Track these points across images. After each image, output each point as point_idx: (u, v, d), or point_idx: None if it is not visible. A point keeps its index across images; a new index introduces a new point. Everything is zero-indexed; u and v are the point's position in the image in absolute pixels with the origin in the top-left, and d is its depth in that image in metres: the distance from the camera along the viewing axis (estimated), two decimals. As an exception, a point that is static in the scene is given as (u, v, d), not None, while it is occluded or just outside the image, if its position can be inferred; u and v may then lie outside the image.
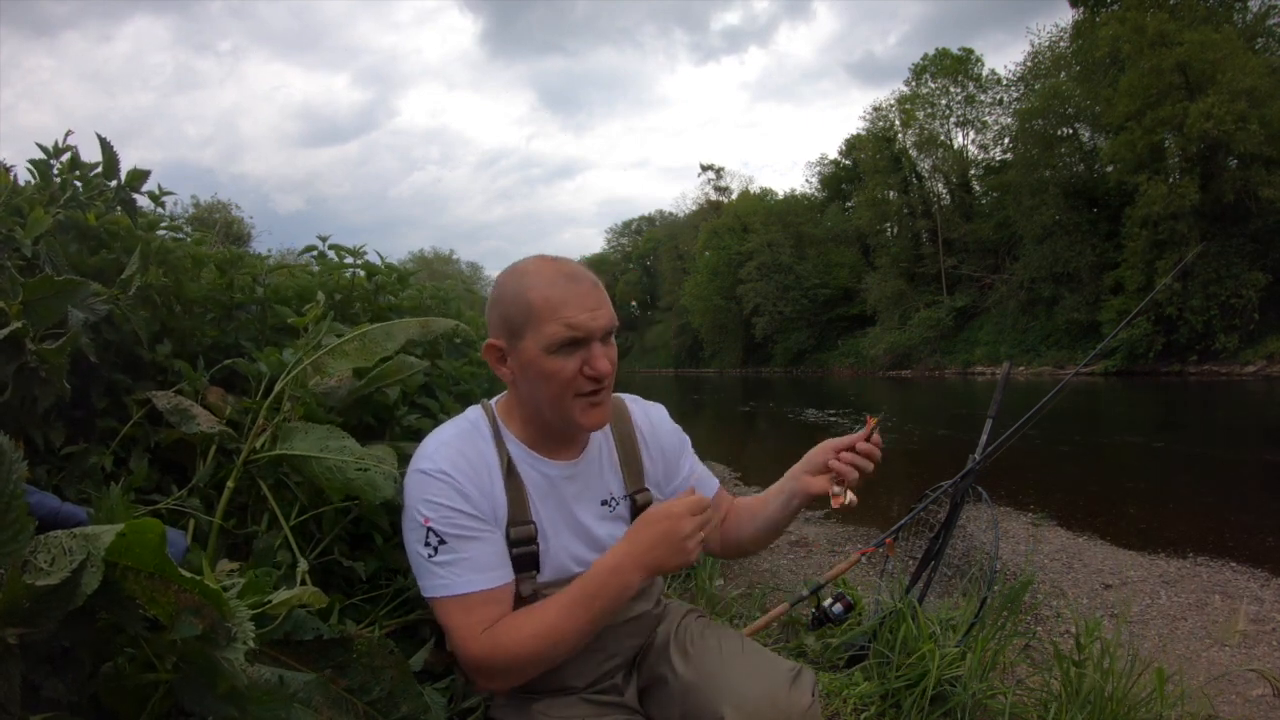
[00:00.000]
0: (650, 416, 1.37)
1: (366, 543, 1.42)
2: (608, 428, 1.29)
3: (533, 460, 1.21)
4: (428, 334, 1.45)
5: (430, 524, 1.11)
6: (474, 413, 1.25)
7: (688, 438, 1.41)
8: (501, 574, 1.14)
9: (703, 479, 1.39)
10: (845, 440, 1.28)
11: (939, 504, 2.62)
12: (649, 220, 78.72)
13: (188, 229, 1.83)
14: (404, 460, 1.26)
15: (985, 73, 40.81)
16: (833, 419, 15.99)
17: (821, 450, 1.30)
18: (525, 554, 1.17)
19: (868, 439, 1.27)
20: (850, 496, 1.24)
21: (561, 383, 1.11)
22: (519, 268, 1.16)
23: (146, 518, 0.61)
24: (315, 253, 1.90)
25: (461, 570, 1.11)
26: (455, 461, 1.15)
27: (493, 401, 1.27)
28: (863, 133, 45.77)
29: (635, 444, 1.32)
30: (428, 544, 1.11)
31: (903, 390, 27.26)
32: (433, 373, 1.76)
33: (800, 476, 1.30)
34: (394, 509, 1.34)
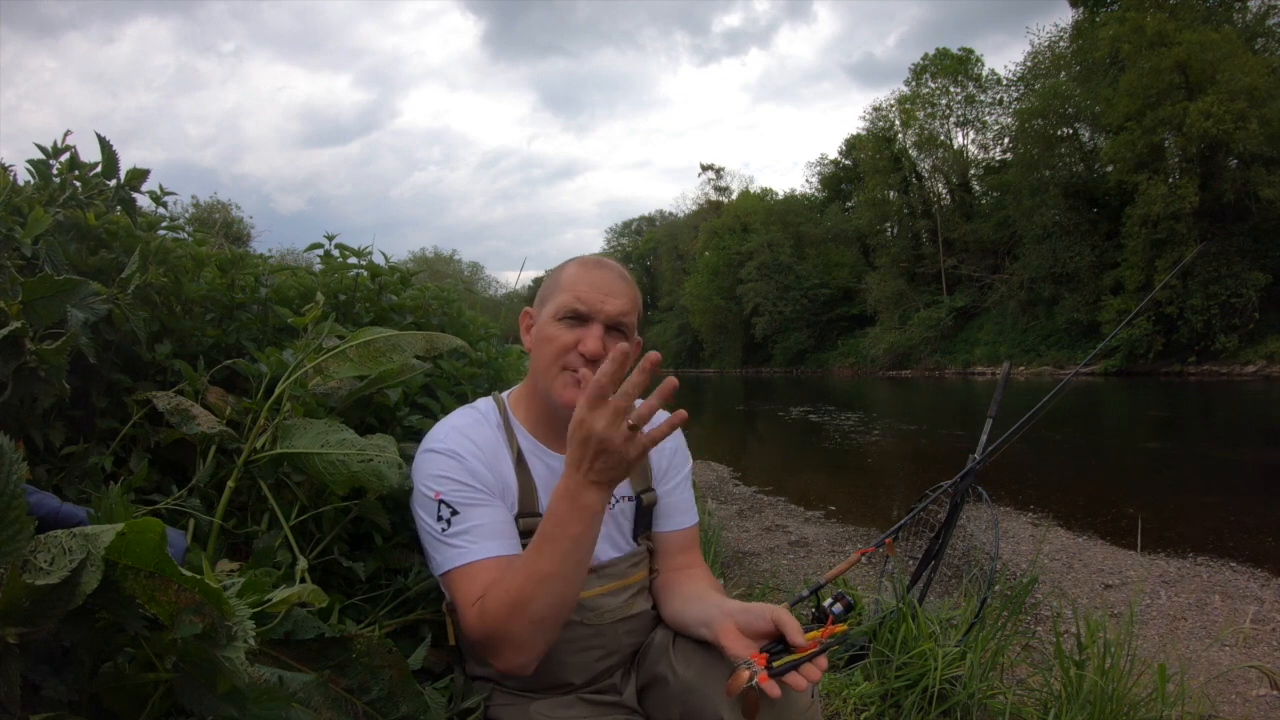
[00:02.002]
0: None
1: (366, 543, 1.42)
2: None
3: (541, 453, 1.24)
4: (432, 351, 1.45)
5: (441, 497, 1.14)
6: (484, 403, 1.29)
7: (691, 463, 1.40)
8: (510, 544, 1.15)
9: (681, 507, 1.33)
10: (794, 633, 1.00)
11: (939, 504, 2.62)
12: (649, 220, 78.79)
13: (188, 229, 1.83)
14: (407, 458, 1.26)
15: (985, 73, 40.91)
16: (832, 419, 15.99)
17: (764, 618, 1.03)
18: None
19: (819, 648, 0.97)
20: (756, 681, 0.93)
21: (555, 350, 1.17)
22: (574, 257, 1.27)
23: (147, 517, 0.61)
24: (321, 251, 1.90)
25: (474, 537, 1.12)
26: (464, 444, 1.18)
27: (505, 394, 1.31)
28: (863, 133, 45.90)
29: None
30: (440, 517, 1.13)
31: (903, 390, 27.27)
32: (434, 374, 1.76)
33: (727, 624, 1.06)
34: (394, 507, 1.35)
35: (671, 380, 0.91)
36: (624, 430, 0.94)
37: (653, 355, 0.92)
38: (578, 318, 1.17)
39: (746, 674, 0.94)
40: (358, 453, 1.22)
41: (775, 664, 0.95)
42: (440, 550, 1.14)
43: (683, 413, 0.99)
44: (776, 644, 0.99)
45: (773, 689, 0.92)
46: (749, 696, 0.95)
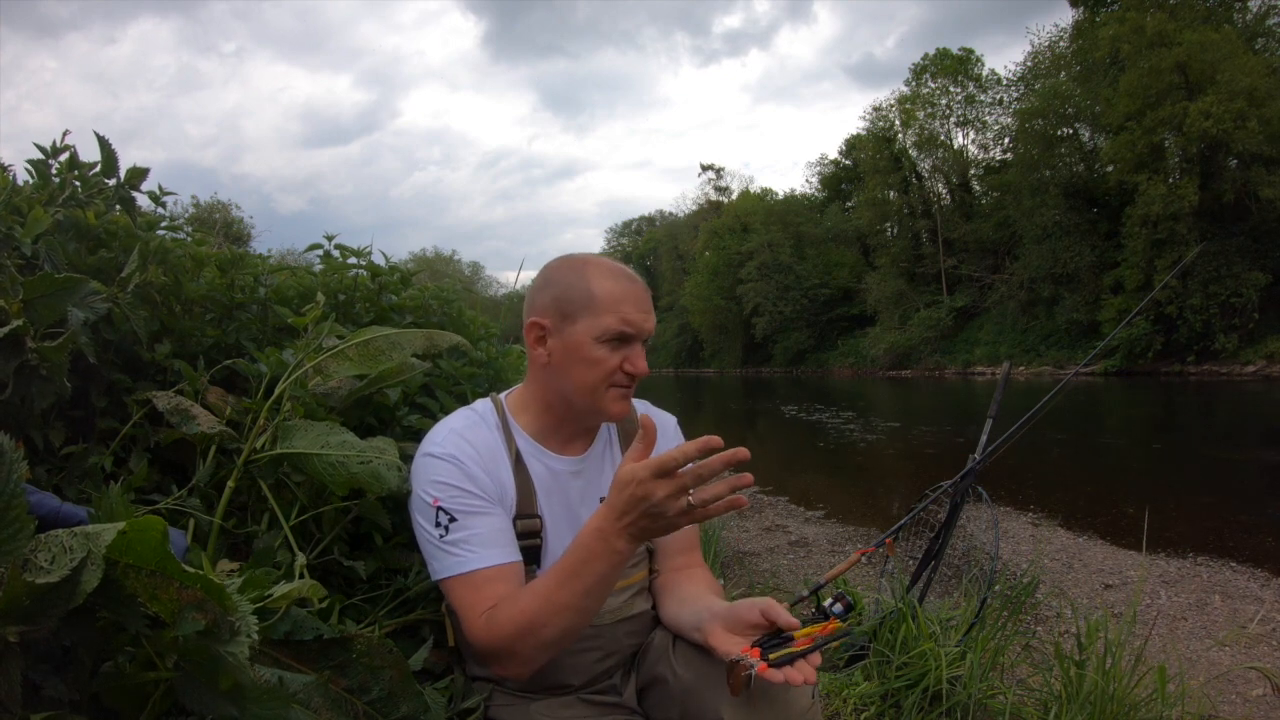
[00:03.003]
0: (655, 420, 1.37)
1: (366, 543, 1.42)
2: (613, 426, 1.30)
3: (540, 454, 1.24)
4: (433, 348, 1.45)
5: (439, 503, 1.13)
6: (482, 405, 1.28)
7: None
8: (510, 551, 1.14)
9: None
10: (783, 616, 1.01)
11: (939, 504, 2.62)
12: (649, 220, 78.76)
13: (187, 229, 1.84)
14: (406, 458, 1.26)
15: (985, 73, 40.91)
16: (832, 419, 16.00)
17: (751, 609, 1.03)
18: (529, 547, 1.19)
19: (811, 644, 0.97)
20: (755, 671, 0.92)
21: (603, 372, 1.15)
22: (579, 258, 1.21)
23: (148, 515, 0.61)
24: (320, 251, 1.90)
25: (473, 546, 1.12)
26: (462, 447, 1.17)
27: (502, 395, 1.30)
28: (863, 133, 45.87)
29: None
30: (438, 524, 1.13)
31: (903, 390, 27.28)
32: (433, 373, 1.76)
33: (715, 626, 1.06)
34: (395, 507, 1.35)
35: (746, 477, 0.91)
36: (683, 505, 0.93)
37: (741, 452, 0.89)
38: (623, 339, 1.15)
39: (743, 667, 0.94)
40: (357, 455, 1.22)
41: (770, 656, 0.95)
42: (438, 557, 1.14)
43: (743, 499, 0.96)
44: (769, 638, 0.99)
45: (774, 675, 0.92)
46: (745, 684, 0.95)
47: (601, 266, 1.19)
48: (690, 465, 0.92)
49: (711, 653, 1.04)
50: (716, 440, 0.90)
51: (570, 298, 1.16)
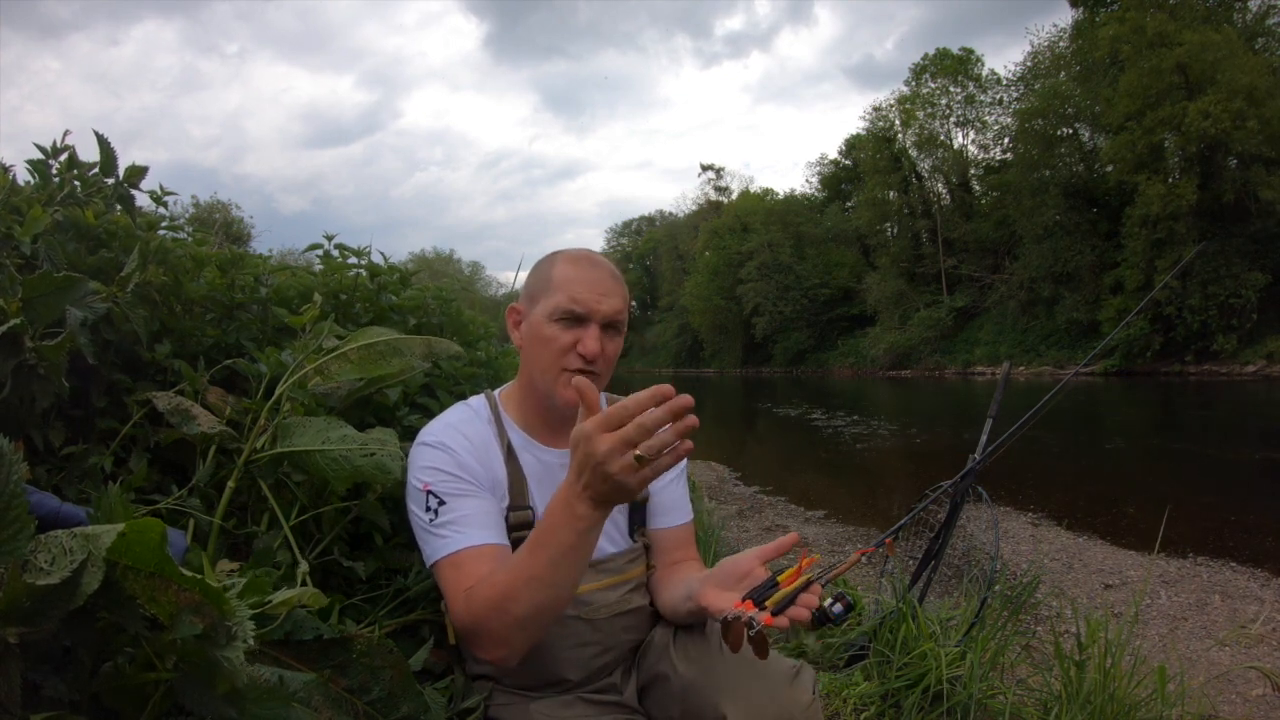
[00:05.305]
0: None
1: (366, 543, 1.42)
2: None
3: (531, 447, 1.25)
4: (431, 355, 1.46)
5: (430, 488, 1.15)
6: (476, 400, 1.31)
7: (685, 460, 1.39)
8: (495, 534, 1.15)
9: (675, 504, 1.34)
10: (767, 550, 1.05)
11: (939, 504, 2.62)
12: (649, 220, 78.70)
13: (187, 229, 1.83)
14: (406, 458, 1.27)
15: (985, 73, 40.88)
16: (832, 419, 16.00)
17: (742, 559, 1.06)
18: (521, 539, 1.18)
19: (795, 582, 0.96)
20: (759, 623, 0.90)
21: (554, 351, 1.17)
22: (558, 251, 1.26)
23: (147, 517, 0.61)
24: (320, 251, 1.91)
25: (460, 527, 1.13)
26: (456, 438, 1.19)
27: (496, 391, 1.33)
28: (863, 133, 45.84)
29: None
30: (429, 508, 1.14)
31: (903, 390, 27.27)
32: (433, 373, 1.76)
33: (705, 588, 1.08)
34: (394, 507, 1.35)
35: (691, 419, 0.85)
36: (628, 460, 0.86)
37: (684, 399, 0.84)
38: (574, 318, 1.17)
39: (742, 623, 0.91)
40: (360, 448, 1.22)
41: (767, 604, 0.93)
42: (429, 541, 1.15)
43: (689, 444, 0.90)
44: (757, 590, 0.97)
45: (781, 621, 0.90)
46: (758, 640, 0.92)
47: (569, 254, 1.23)
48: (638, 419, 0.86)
49: (705, 613, 1.06)
50: (667, 389, 0.85)
51: (536, 282, 1.23)
